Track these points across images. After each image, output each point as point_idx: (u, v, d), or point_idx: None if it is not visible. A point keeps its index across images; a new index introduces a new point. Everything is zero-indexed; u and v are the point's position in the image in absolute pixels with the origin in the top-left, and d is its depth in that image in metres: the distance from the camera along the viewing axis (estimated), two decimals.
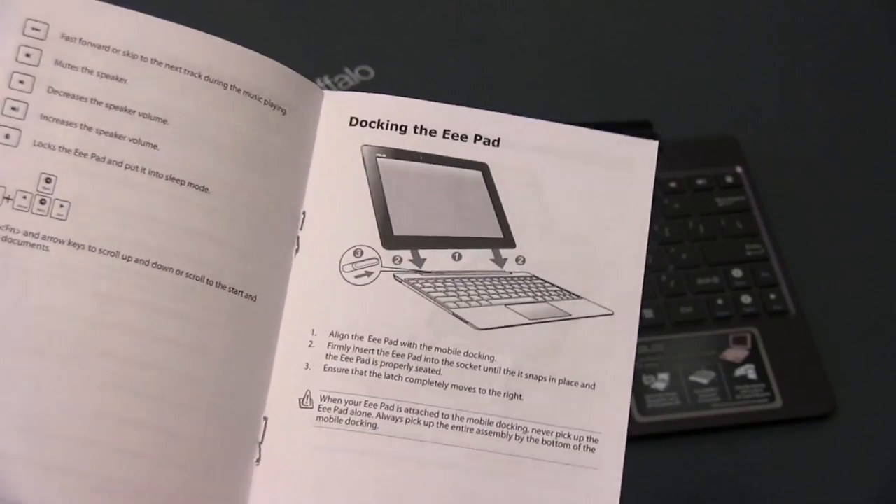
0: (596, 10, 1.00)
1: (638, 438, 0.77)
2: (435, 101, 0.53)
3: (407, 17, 0.97)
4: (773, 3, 1.02)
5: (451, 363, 0.50)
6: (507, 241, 0.52)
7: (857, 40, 1.00)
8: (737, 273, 0.85)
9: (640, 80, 0.96)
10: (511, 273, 0.52)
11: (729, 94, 0.95)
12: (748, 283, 0.84)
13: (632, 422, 0.75)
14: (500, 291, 0.52)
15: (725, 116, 0.94)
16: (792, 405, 0.79)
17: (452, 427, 0.50)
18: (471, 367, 0.50)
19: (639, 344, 0.78)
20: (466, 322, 0.51)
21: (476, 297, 0.52)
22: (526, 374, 0.50)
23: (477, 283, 0.52)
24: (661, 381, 0.79)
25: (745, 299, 0.83)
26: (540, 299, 0.52)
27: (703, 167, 0.89)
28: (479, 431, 0.50)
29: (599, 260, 0.52)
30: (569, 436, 0.50)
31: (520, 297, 0.52)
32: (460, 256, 0.52)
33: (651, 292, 0.83)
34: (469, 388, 0.50)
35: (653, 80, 0.96)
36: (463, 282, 0.52)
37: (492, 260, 0.52)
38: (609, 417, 0.51)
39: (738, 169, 0.89)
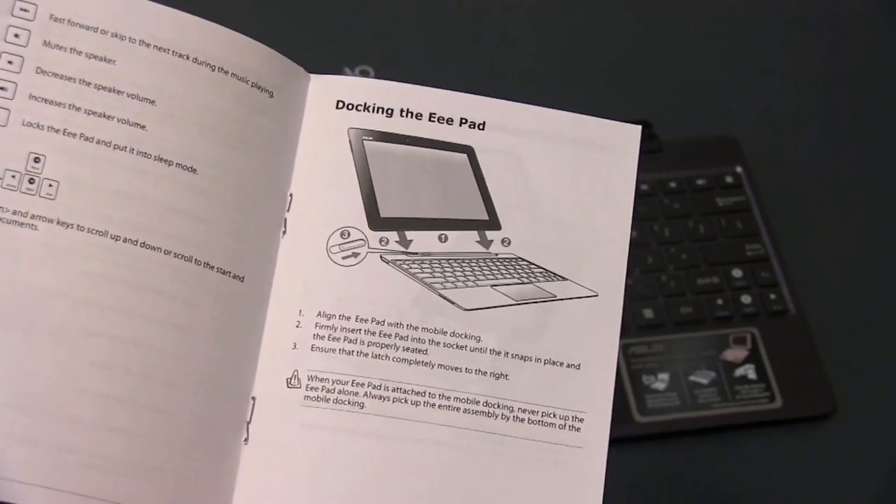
0: (596, 11, 1.00)
1: (638, 438, 0.77)
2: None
3: (407, 17, 0.97)
4: (773, 4, 1.02)
5: (437, 343, 0.50)
6: (493, 223, 0.52)
7: (858, 40, 1.00)
8: (737, 273, 0.84)
9: (640, 80, 0.96)
10: (497, 254, 0.52)
11: (729, 94, 0.95)
12: (748, 283, 0.84)
13: (632, 422, 0.77)
14: (486, 273, 0.53)
15: (725, 116, 0.93)
16: (792, 405, 0.79)
17: (439, 406, 0.50)
18: (457, 347, 0.50)
19: (639, 344, 0.79)
20: (453, 303, 0.51)
21: (462, 278, 0.52)
22: (512, 355, 0.51)
23: (463, 264, 0.52)
24: (661, 381, 0.79)
25: (745, 299, 0.83)
26: (525, 281, 0.52)
27: (703, 167, 0.89)
28: (465, 411, 0.50)
29: (584, 242, 0.52)
30: (554, 415, 0.50)
31: (505, 278, 0.52)
32: (446, 238, 0.52)
33: (651, 292, 0.83)
34: (455, 368, 0.50)
35: (653, 80, 0.96)
36: (449, 263, 0.52)
37: (477, 242, 0.52)
38: (594, 397, 0.51)
39: (738, 169, 0.89)
